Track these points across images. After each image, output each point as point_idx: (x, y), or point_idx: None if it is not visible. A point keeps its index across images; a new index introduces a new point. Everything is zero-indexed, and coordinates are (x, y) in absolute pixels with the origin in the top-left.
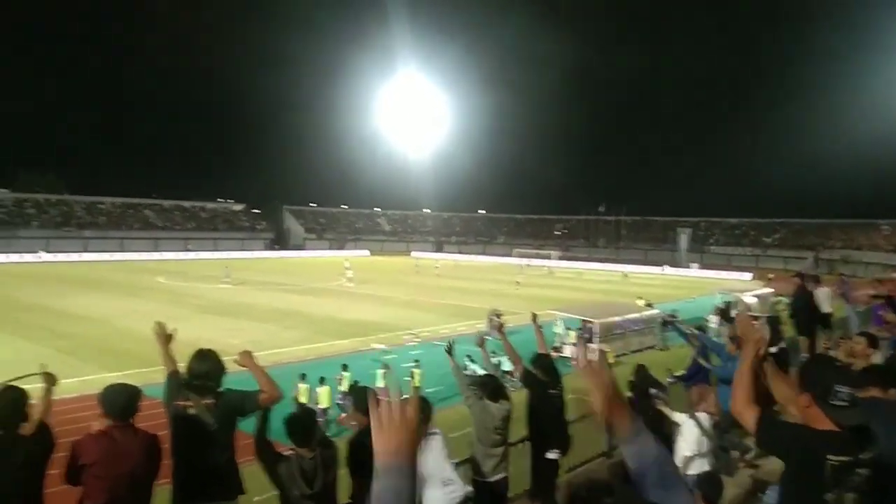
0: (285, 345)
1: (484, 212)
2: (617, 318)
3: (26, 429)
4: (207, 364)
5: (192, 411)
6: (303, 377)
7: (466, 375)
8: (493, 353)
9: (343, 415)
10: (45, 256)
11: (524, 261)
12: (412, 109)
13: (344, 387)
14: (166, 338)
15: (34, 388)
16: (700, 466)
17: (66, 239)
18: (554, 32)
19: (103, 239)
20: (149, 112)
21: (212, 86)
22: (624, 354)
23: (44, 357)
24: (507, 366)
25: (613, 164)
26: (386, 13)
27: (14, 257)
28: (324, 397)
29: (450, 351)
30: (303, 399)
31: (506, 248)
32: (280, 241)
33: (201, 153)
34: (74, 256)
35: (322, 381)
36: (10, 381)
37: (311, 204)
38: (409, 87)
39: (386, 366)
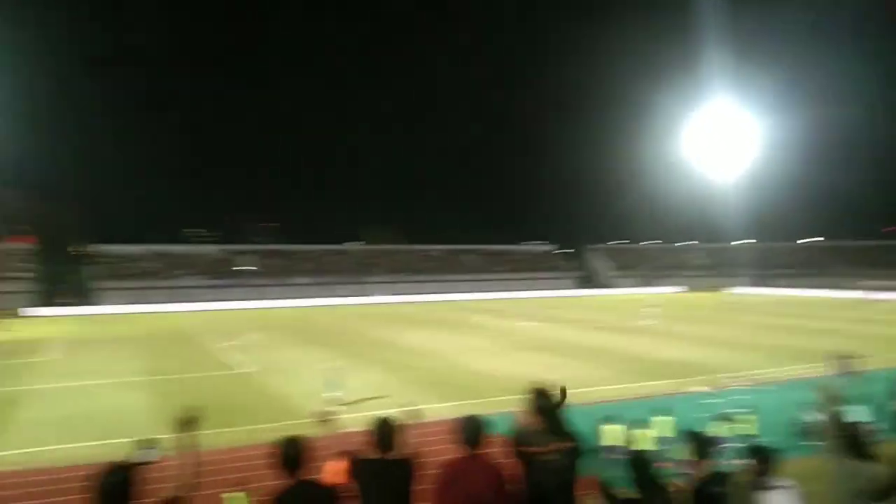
0: (597, 383)
1: (821, 238)
2: None
3: (396, 454)
4: (549, 403)
5: (546, 457)
6: (609, 419)
7: (809, 425)
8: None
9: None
10: (380, 298)
11: (871, 294)
12: (723, 135)
13: (663, 431)
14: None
15: (362, 413)
16: None
17: (403, 283)
18: None
19: (434, 282)
20: (461, 168)
21: (517, 134)
22: None
23: (390, 385)
24: (863, 415)
25: None
26: (697, 40)
27: (363, 300)
28: (642, 441)
29: (826, 397)
30: (611, 442)
31: (845, 279)
32: (589, 279)
33: (514, 200)
34: (410, 298)
35: (638, 423)
36: (354, 402)
37: (618, 241)
38: (719, 113)
39: (727, 417)
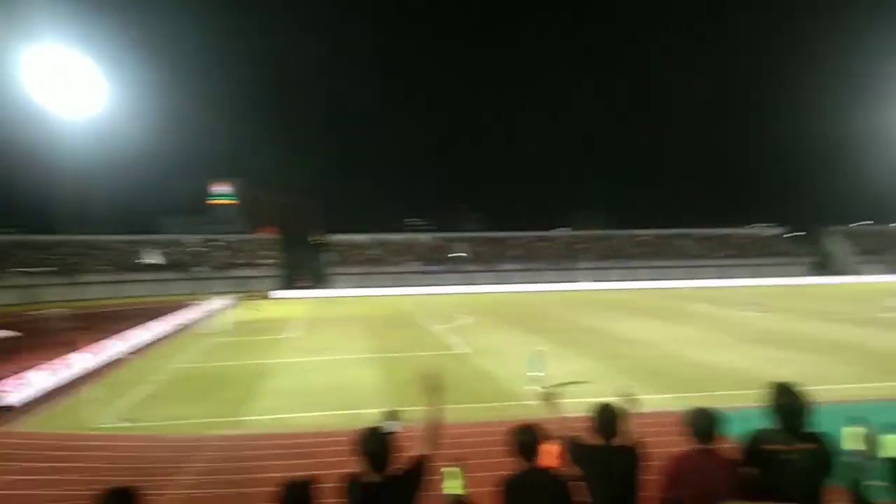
0: (834, 381)
1: None
2: None
3: (620, 441)
4: (793, 400)
5: (789, 457)
6: (853, 420)
7: None
8: None
9: None
10: (588, 285)
11: None
12: None
13: None
14: None
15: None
16: None
17: (612, 269)
18: None
19: (645, 268)
20: (677, 146)
21: (730, 111)
22: None
23: (602, 374)
24: None
25: None
26: None
27: (571, 286)
28: (890, 447)
29: None
30: (855, 446)
31: None
32: (824, 265)
33: (738, 180)
34: (619, 284)
35: (885, 427)
36: (558, 385)
37: (862, 222)
38: None
39: None
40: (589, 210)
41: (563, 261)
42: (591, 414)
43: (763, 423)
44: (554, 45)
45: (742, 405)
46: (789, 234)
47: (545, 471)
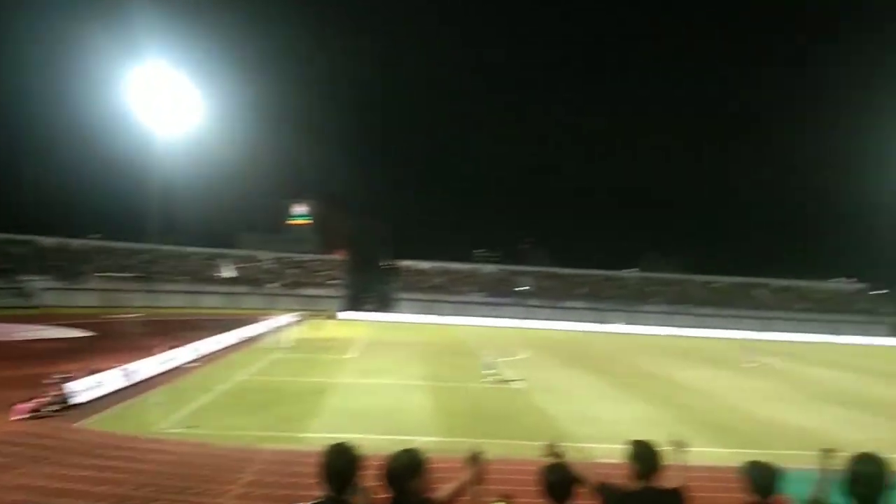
0: None
1: None
2: None
3: (661, 484)
4: (875, 470)
5: None
6: None
7: None
8: None
9: None
10: (654, 329)
11: None
12: None
13: None
14: None
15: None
16: None
17: (681, 315)
18: None
19: (717, 317)
20: (756, 193)
21: (821, 150)
22: None
23: (660, 421)
24: None
25: None
26: None
27: (637, 329)
28: None
29: None
30: None
31: None
32: None
33: (819, 230)
34: (688, 331)
35: None
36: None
37: None
38: None
39: None
40: (662, 253)
41: (631, 303)
42: (628, 450)
43: (821, 487)
44: (650, 93)
45: (805, 466)
46: (872, 292)
47: None
